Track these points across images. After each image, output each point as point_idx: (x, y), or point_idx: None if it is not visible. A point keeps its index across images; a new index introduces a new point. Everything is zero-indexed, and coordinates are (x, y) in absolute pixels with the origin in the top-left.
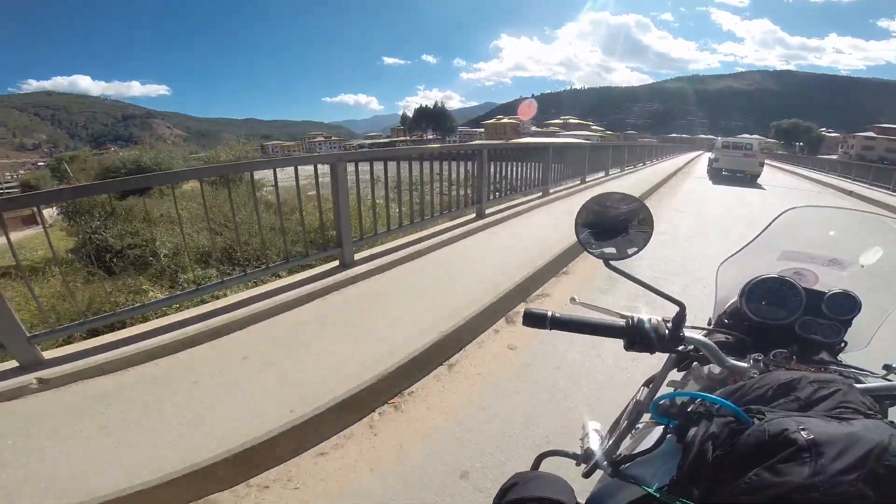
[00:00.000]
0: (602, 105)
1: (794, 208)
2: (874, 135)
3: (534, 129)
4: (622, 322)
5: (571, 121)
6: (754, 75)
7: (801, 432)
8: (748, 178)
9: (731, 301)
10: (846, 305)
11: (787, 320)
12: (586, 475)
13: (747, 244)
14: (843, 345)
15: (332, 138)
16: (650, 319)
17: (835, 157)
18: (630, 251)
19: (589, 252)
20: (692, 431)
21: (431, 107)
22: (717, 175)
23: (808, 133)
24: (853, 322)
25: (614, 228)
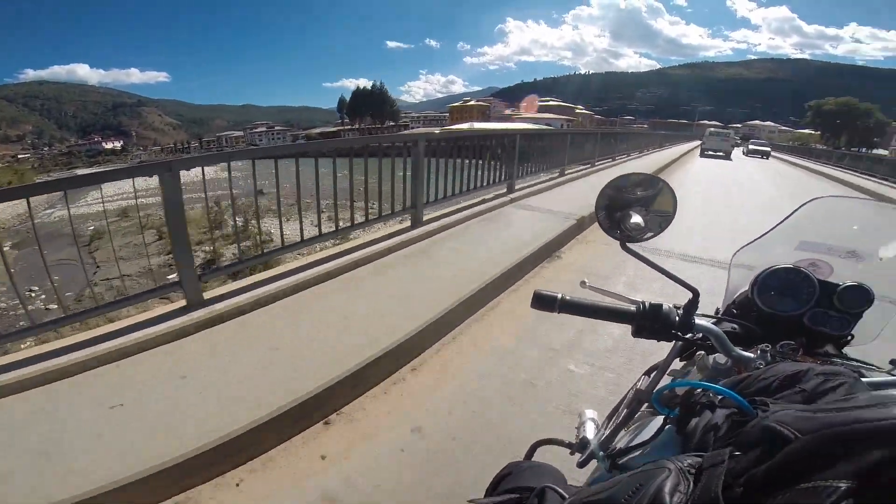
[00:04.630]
0: (606, 90)
1: (817, 198)
2: None
3: (508, 111)
4: (632, 307)
5: (549, 103)
6: (766, 63)
7: None
8: (723, 155)
9: (742, 290)
10: (859, 298)
11: (797, 311)
12: (581, 465)
13: (764, 233)
14: (850, 338)
15: (276, 128)
16: (662, 305)
17: (884, 152)
18: (647, 235)
19: (607, 234)
20: (693, 422)
21: (370, 89)
22: (704, 153)
23: (865, 118)
24: (864, 315)
25: (634, 211)
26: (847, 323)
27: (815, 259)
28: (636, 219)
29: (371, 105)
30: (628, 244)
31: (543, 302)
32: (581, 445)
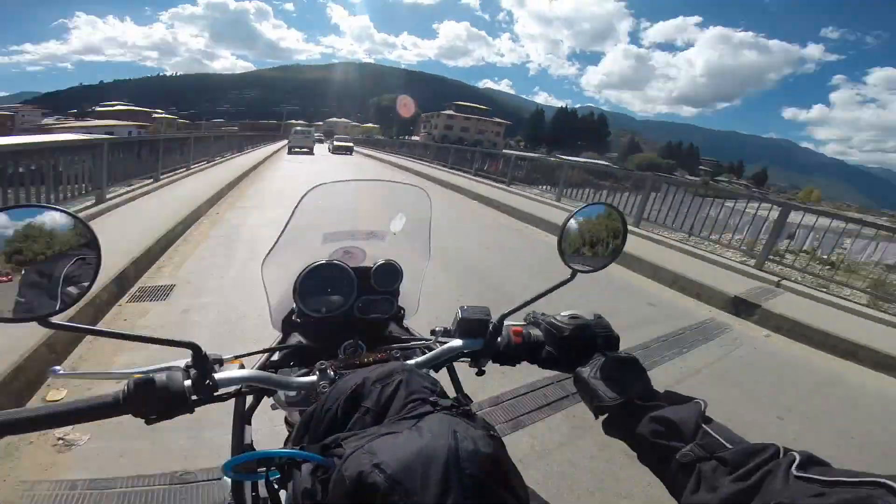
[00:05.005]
0: (197, 93)
1: (314, 187)
2: (454, 112)
3: (48, 120)
4: (118, 392)
5: (116, 107)
6: (345, 66)
7: (377, 471)
8: (308, 150)
9: (291, 300)
10: (391, 275)
11: (347, 306)
12: None
13: (280, 234)
14: (402, 312)
15: None
16: (156, 377)
17: (417, 138)
18: (71, 302)
19: (21, 321)
20: (289, 487)
21: None
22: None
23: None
24: (401, 289)
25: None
26: (391, 302)
27: (347, 247)
28: (56, 281)
29: None
30: (51, 319)
31: None
32: None
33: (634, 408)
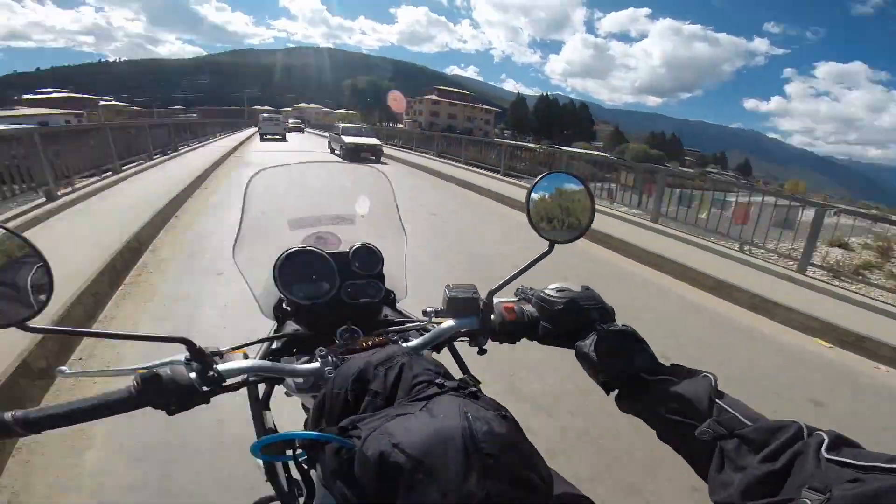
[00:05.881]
0: (146, 79)
1: (257, 173)
2: (437, 98)
3: None
4: (129, 387)
5: (53, 95)
6: (303, 51)
7: (397, 451)
8: (280, 137)
9: (275, 288)
10: (371, 259)
11: (334, 292)
12: None
13: (240, 221)
14: (393, 296)
15: None
16: (168, 368)
17: (402, 125)
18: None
19: None
20: (318, 468)
21: None
22: (263, 137)
23: (385, 96)
24: (384, 272)
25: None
26: (377, 285)
27: (319, 233)
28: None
29: None
30: (30, 324)
31: None
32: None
33: (643, 382)
